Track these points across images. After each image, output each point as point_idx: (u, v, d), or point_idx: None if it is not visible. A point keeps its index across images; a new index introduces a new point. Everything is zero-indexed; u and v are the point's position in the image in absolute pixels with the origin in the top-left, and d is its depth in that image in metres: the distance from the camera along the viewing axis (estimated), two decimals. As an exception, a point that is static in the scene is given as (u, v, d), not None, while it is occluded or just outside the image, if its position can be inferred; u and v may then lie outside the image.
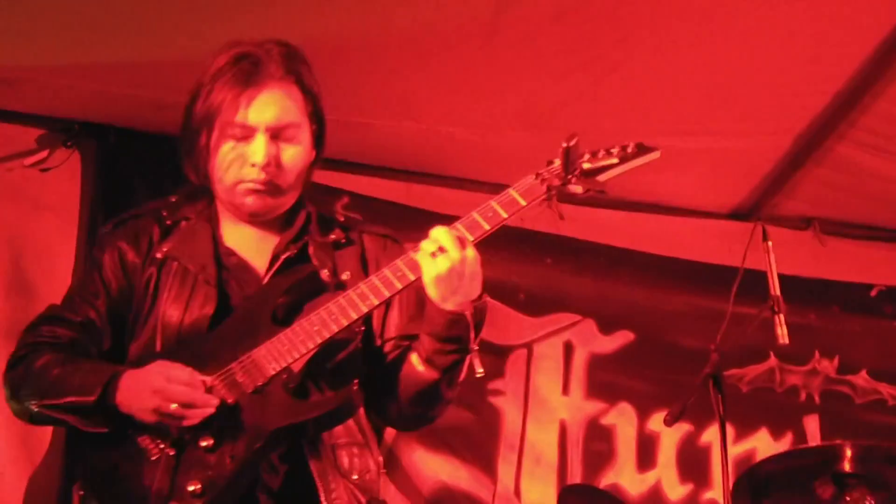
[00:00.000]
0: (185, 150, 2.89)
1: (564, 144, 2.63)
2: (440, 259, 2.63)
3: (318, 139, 2.94)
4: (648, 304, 5.44)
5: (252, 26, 3.96)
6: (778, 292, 3.74)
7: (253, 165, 2.79)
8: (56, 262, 4.66)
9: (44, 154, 4.72)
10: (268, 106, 2.80)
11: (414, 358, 2.78)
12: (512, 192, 2.71)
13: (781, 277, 3.78)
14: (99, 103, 4.59)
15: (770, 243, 3.82)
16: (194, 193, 2.97)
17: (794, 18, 4.14)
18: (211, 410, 2.62)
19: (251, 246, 2.89)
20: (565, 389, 5.28)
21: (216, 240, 2.89)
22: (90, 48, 4.15)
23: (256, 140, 2.79)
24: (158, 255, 2.86)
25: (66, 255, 4.68)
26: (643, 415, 5.31)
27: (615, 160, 2.71)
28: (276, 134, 2.81)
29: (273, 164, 2.80)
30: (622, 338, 5.39)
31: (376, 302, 2.68)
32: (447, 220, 5.05)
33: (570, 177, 2.68)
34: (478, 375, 2.67)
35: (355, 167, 5.11)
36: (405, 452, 4.92)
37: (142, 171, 4.76)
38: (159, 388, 2.60)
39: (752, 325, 3.65)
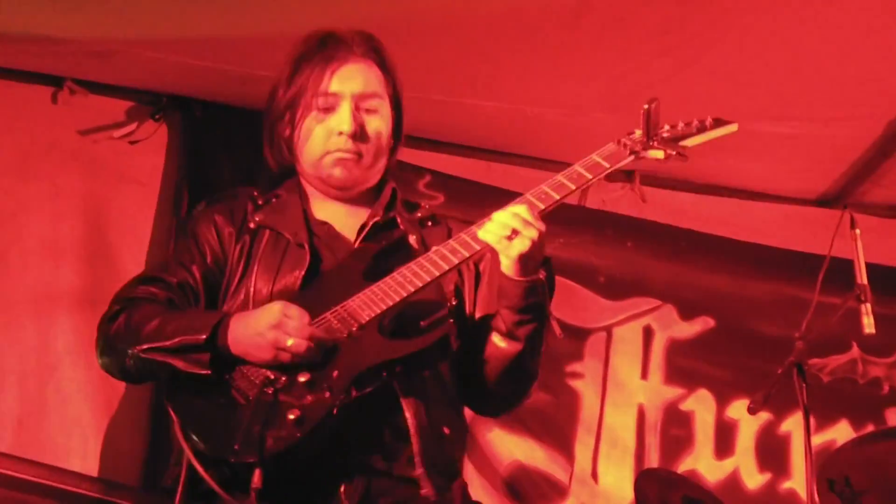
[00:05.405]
0: (269, 137, 2.99)
1: (645, 106, 2.67)
2: (518, 241, 2.64)
3: (397, 123, 3.01)
4: (730, 290, 5.37)
5: (338, 3, 3.99)
6: (865, 281, 3.69)
7: (340, 134, 2.88)
8: (136, 233, 4.72)
9: (133, 126, 4.76)
10: (352, 75, 2.91)
11: (495, 337, 2.81)
12: (595, 156, 2.74)
13: (868, 266, 3.72)
14: (186, 76, 4.63)
15: (858, 231, 3.77)
16: (282, 177, 3.06)
17: (889, 4, 4.05)
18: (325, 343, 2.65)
19: (341, 219, 2.96)
20: (644, 374, 5.25)
21: (306, 212, 2.96)
22: (178, 22, 4.18)
23: (342, 108, 2.89)
24: (252, 225, 2.93)
25: (145, 226, 4.75)
26: (722, 402, 5.25)
27: (693, 131, 2.77)
28: (361, 103, 2.90)
29: (359, 132, 2.88)
30: (702, 324, 5.33)
31: (467, 254, 2.71)
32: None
33: (651, 142, 2.70)
34: (559, 337, 2.75)
35: (437, 145, 5.11)
36: (481, 432, 4.91)
37: (226, 144, 4.80)
38: (277, 322, 2.62)
39: (837, 313, 3.60)
